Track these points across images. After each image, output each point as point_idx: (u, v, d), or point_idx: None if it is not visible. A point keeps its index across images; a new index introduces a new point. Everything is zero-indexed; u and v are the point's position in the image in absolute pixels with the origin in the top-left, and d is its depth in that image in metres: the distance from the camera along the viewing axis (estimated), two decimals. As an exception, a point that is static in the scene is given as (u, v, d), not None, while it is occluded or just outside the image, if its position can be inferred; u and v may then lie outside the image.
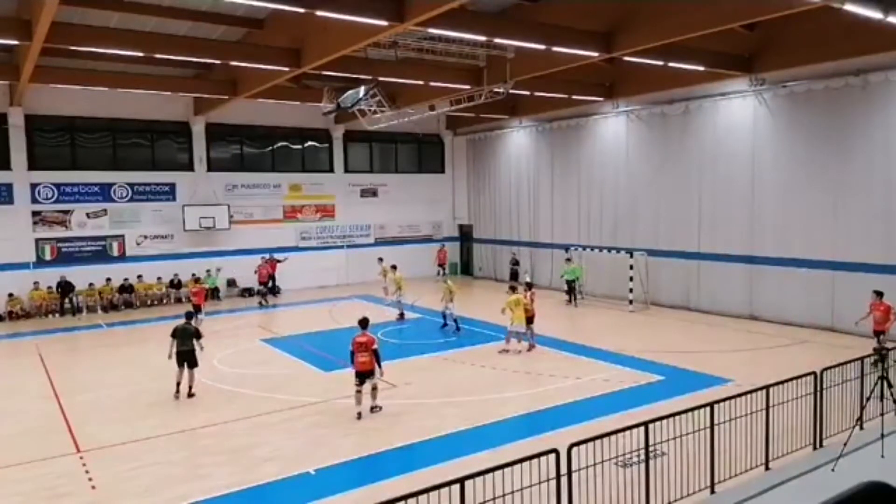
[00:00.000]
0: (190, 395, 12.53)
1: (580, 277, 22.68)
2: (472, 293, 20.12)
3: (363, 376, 11.09)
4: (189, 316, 13.35)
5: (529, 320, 15.72)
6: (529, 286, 17.61)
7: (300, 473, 8.88)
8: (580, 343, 16.08)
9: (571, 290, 22.38)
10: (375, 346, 11.20)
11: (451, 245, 31.37)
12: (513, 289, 16.04)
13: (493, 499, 5.73)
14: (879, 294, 13.11)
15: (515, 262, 26.19)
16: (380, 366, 11.19)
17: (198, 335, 12.70)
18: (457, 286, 18.56)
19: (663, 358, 14.55)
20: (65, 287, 22.27)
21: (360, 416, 10.99)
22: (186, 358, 12.46)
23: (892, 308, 12.78)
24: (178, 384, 12.50)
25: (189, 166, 25.14)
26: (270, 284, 25.07)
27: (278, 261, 25.37)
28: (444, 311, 18.14)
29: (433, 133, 30.57)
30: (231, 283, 25.70)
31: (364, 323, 11.58)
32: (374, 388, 11.36)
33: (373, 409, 11.28)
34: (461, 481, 5.54)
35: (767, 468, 8.19)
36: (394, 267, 21.09)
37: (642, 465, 7.09)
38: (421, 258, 28.69)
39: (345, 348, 15.95)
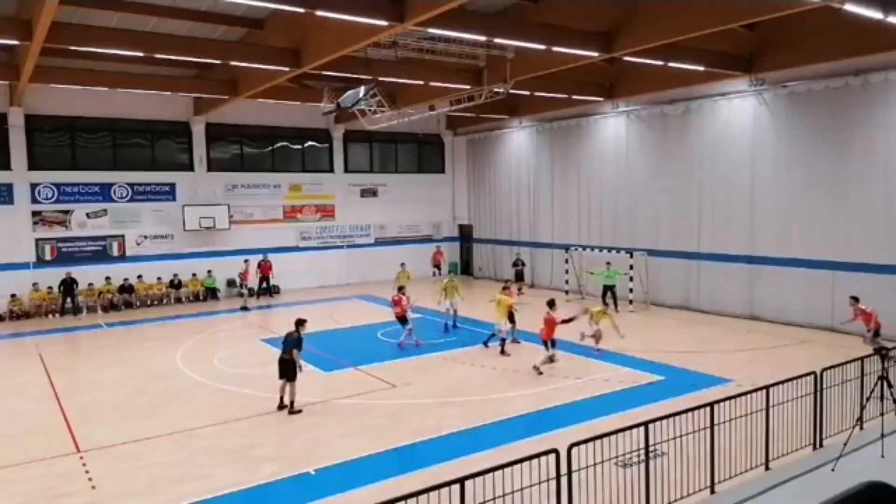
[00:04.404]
0: (291, 411, 11.30)
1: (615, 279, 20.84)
2: (473, 293, 20.11)
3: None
4: (298, 322, 11.85)
5: (511, 317, 15.95)
6: (508, 285, 17.75)
7: (300, 473, 8.88)
8: (580, 343, 16.05)
9: (610, 295, 20.35)
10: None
11: (451, 245, 31.38)
12: (506, 288, 16.15)
13: (493, 499, 5.73)
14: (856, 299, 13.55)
15: (522, 263, 26.12)
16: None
17: (298, 345, 11.47)
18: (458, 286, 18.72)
19: (663, 358, 14.56)
20: (68, 284, 22.26)
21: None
22: (281, 367, 11.52)
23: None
24: (281, 397, 11.52)
25: (189, 166, 25.14)
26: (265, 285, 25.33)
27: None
28: (454, 308, 18.15)
29: (433, 133, 30.57)
30: (231, 283, 25.70)
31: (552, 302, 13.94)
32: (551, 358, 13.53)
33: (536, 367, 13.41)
34: (461, 481, 5.53)
35: (767, 468, 8.19)
36: (403, 264, 21.08)
37: (642, 465, 7.08)
38: (421, 258, 28.66)
39: (345, 348, 16.07)
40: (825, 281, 17.11)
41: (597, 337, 15.50)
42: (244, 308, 22.69)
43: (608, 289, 20.71)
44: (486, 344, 15.88)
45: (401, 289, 16.83)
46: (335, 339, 17.60)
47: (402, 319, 16.29)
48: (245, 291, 23.21)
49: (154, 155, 24.78)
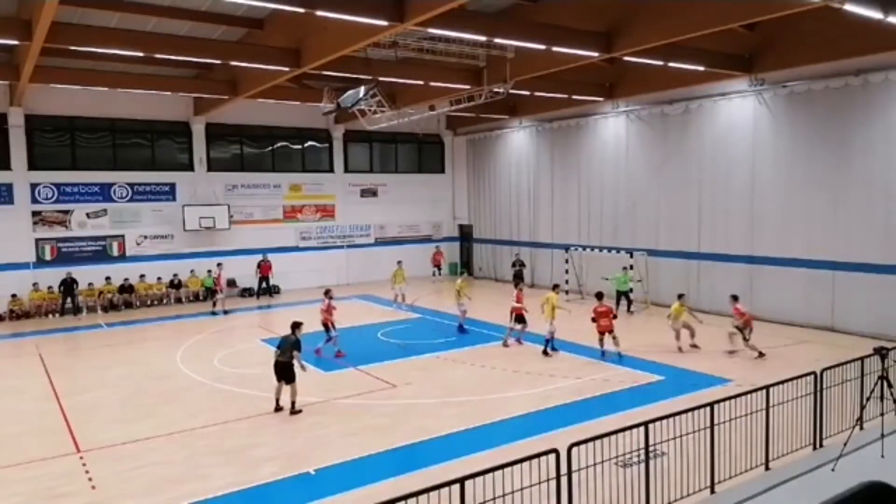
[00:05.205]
0: (292, 411, 11.29)
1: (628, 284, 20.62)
2: (472, 293, 20.11)
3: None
4: (295, 325, 11.78)
5: (520, 318, 15.99)
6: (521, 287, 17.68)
7: (300, 473, 8.88)
8: (580, 343, 16.05)
9: (626, 299, 20.42)
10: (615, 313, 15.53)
11: (451, 245, 31.39)
12: (555, 286, 16.44)
13: (493, 499, 5.73)
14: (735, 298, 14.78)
15: (521, 264, 26.09)
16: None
17: (297, 347, 11.42)
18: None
19: (663, 358, 14.56)
20: (68, 284, 22.26)
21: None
22: (277, 371, 11.46)
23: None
24: (277, 400, 11.48)
25: (189, 166, 25.14)
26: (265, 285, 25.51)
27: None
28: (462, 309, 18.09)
29: (433, 133, 30.57)
30: (231, 282, 25.66)
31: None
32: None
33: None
34: (461, 481, 5.53)
35: (767, 468, 8.18)
36: (399, 262, 21.25)
37: (642, 465, 7.09)
38: (421, 258, 28.72)
39: (344, 348, 16.06)
40: (825, 281, 17.11)
41: (692, 331, 15.48)
42: (216, 312, 21.79)
43: (622, 294, 20.34)
44: (547, 351, 15.26)
45: (327, 292, 16.19)
46: (335, 339, 17.55)
47: (326, 327, 15.67)
48: (221, 296, 22.15)
49: (154, 155, 24.77)
